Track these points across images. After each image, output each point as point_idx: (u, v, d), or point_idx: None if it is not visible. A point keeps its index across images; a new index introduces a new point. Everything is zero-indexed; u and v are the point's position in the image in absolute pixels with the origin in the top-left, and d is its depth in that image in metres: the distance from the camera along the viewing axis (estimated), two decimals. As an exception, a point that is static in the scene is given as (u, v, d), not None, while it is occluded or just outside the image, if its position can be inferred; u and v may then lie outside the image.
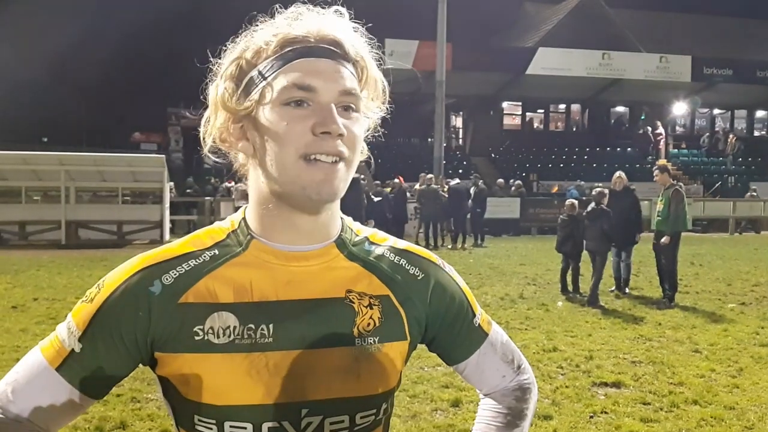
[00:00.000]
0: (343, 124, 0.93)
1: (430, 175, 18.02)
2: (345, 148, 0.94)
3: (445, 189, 17.65)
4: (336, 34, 0.96)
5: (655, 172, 9.78)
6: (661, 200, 9.60)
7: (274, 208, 0.98)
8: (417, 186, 18.43)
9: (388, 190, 18.18)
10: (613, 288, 10.14)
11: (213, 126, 1.00)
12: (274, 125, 0.93)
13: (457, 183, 17.87)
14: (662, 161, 13.32)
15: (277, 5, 1.01)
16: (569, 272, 9.92)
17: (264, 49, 0.95)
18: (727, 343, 6.94)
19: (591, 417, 4.80)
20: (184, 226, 20.37)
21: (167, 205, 17.72)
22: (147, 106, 40.11)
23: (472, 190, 18.12)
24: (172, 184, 19.46)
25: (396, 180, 18.41)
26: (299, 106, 0.93)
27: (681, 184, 9.71)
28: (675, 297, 9.31)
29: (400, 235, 15.81)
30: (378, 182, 18.46)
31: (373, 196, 16.57)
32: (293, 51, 0.94)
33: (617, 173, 10.61)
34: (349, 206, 1.03)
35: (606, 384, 5.55)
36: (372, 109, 1.04)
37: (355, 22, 1.01)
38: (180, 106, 37.49)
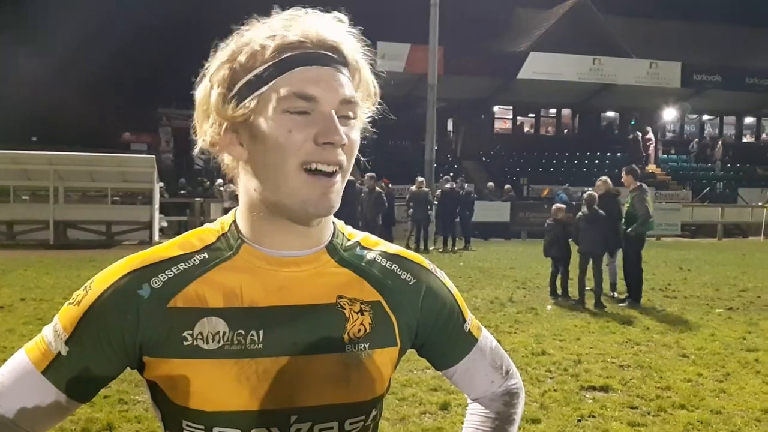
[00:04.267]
0: (343, 132, 0.93)
1: (420, 178, 18.03)
2: (344, 157, 0.94)
3: (437, 192, 17.69)
4: (334, 39, 0.95)
5: (622, 174, 9.99)
6: (628, 202, 9.78)
7: (266, 215, 0.97)
8: (413, 188, 18.45)
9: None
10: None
11: (202, 129, 0.98)
12: (274, 134, 0.92)
13: (449, 186, 17.90)
14: (652, 166, 13.50)
15: (275, 5, 0.99)
16: (558, 276, 9.98)
17: (260, 53, 0.93)
18: (715, 347, 6.98)
19: (579, 421, 4.82)
20: (174, 227, 20.29)
21: (157, 205, 17.65)
22: (138, 107, 39.99)
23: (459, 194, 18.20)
24: (162, 184, 19.39)
25: (381, 182, 18.40)
26: (300, 114, 0.92)
27: (644, 185, 9.85)
28: (641, 298, 9.43)
29: (387, 237, 15.86)
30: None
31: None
32: (292, 57, 0.92)
33: (602, 178, 10.77)
34: (342, 210, 1.03)
35: (594, 388, 5.57)
36: (364, 111, 1.04)
37: (351, 27, 0.99)
38: (171, 107, 37.38)
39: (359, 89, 1.00)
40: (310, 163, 0.92)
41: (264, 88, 0.92)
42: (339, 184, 0.94)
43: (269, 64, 0.92)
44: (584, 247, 9.59)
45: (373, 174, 16.10)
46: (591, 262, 9.51)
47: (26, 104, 34.54)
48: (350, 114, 0.96)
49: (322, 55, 0.94)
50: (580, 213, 9.83)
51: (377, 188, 16.12)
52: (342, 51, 0.96)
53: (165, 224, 18.62)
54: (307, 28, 0.94)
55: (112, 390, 4.98)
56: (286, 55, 0.92)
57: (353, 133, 0.96)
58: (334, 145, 0.92)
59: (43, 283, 10.37)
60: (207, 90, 0.96)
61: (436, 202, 17.83)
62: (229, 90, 0.94)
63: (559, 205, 10.67)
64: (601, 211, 9.56)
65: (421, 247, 16.71)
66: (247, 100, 0.93)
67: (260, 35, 0.94)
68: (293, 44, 0.93)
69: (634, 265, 9.66)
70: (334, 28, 0.96)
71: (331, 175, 0.93)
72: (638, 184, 9.83)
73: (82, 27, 35.51)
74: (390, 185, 18.47)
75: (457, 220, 17.82)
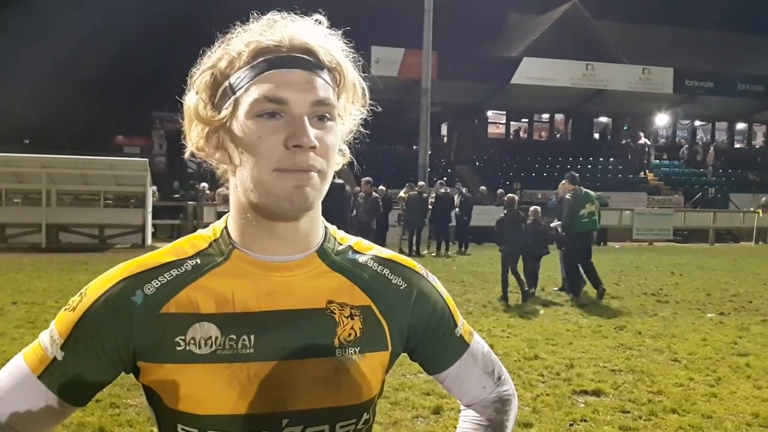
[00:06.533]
0: (315, 135, 0.93)
1: (421, 183, 18.06)
2: (318, 160, 0.94)
3: (432, 196, 17.73)
4: (309, 42, 0.95)
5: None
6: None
7: (253, 217, 0.98)
8: (401, 193, 18.47)
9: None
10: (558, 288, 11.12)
11: (190, 134, 1.00)
12: (247, 138, 0.93)
13: (443, 191, 17.95)
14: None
15: (255, 12, 1.00)
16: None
17: (237, 59, 0.94)
18: (706, 352, 7.02)
19: (571, 425, 4.83)
20: (167, 230, 20.24)
21: (149, 209, 17.60)
22: (131, 110, 39.93)
23: (457, 198, 18.25)
24: (155, 188, 19.35)
25: (380, 187, 18.40)
26: (272, 118, 0.93)
27: (577, 190, 10.61)
28: (580, 292, 10.16)
29: (381, 241, 15.85)
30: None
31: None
32: (265, 61, 0.93)
33: (563, 181, 11.55)
34: (332, 214, 1.04)
35: (586, 392, 5.59)
36: (352, 113, 1.04)
37: (332, 29, 1.00)
38: (165, 110, 37.32)
39: (344, 92, 1.01)
40: (282, 168, 0.93)
41: (238, 93, 0.94)
42: (316, 180, 0.94)
43: (244, 68, 0.94)
44: (506, 247, 10.05)
45: (370, 179, 16.13)
46: (513, 260, 10.05)
47: (19, 107, 34.42)
48: (326, 115, 0.96)
49: (296, 58, 0.94)
50: (502, 215, 10.50)
51: (374, 193, 16.15)
52: (317, 54, 0.96)
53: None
54: (282, 33, 0.95)
55: (103, 394, 4.96)
56: (259, 60, 0.94)
57: (329, 135, 0.96)
58: (303, 148, 0.92)
59: (35, 286, 10.32)
60: (192, 96, 0.98)
61: (430, 207, 17.88)
62: (210, 96, 0.97)
63: (537, 207, 11.18)
64: (521, 213, 10.28)
65: (414, 250, 16.72)
66: (224, 105, 0.95)
67: (239, 42, 0.96)
68: (268, 49, 0.94)
69: (568, 263, 10.55)
70: (310, 31, 0.97)
71: (305, 173, 0.93)
72: (573, 188, 10.62)
73: (76, 30, 35.43)
74: (386, 190, 18.49)
75: (452, 224, 17.84)
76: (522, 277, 10.02)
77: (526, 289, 10.03)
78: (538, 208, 10.81)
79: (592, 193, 10.97)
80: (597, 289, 10.28)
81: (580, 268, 10.40)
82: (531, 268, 10.36)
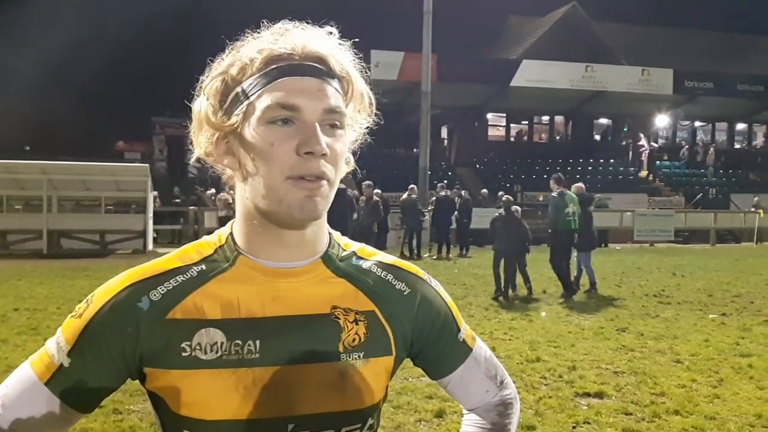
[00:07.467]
0: (326, 143, 0.94)
1: (411, 186, 18.09)
2: (328, 167, 0.95)
3: (432, 200, 17.74)
4: (321, 51, 0.97)
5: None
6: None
7: (260, 224, 0.99)
8: (404, 196, 18.50)
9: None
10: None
11: (198, 139, 1.01)
12: (259, 144, 0.94)
13: (444, 194, 17.95)
14: (645, 172, 14.05)
15: (264, 20, 1.01)
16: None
17: (249, 66, 0.95)
18: (708, 353, 7.01)
19: (573, 427, 4.83)
20: (168, 235, 20.25)
21: (150, 214, 17.62)
22: (131, 115, 39.95)
23: (457, 201, 18.26)
24: (155, 193, 19.37)
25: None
26: (284, 125, 0.94)
27: (560, 191, 10.77)
28: (572, 292, 10.35)
29: (382, 244, 15.85)
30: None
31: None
32: (278, 69, 0.94)
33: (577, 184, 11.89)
34: (333, 218, 1.04)
35: (589, 394, 5.59)
36: (359, 121, 1.05)
37: (341, 39, 1.01)
38: (165, 115, 37.36)
39: (352, 101, 1.02)
40: (294, 176, 0.93)
41: (251, 99, 0.95)
42: (325, 189, 0.95)
43: (256, 75, 0.95)
44: (499, 246, 10.28)
45: (371, 183, 16.20)
46: (513, 260, 10.28)
47: (19, 113, 34.45)
48: (336, 123, 0.97)
49: (309, 67, 0.95)
50: (496, 214, 10.74)
51: (374, 197, 16.18)
52: (329, 63, 0.97)
53: None
54: (295, 41, 0.96)
55: (106, 400, 4.87)
56: (272, 67, 0.95)
57: (338, 143, 0.97)
58: (314, 155, 0.93)
59: (36, 293, 10.32)
60: (202, 102, 0.99)
61: (430, 208, 17.87)
62: (221, 102, 0.97)
63: (517, 207, 11.37)
64: (516, 214, 10.47)
65: (415, 253, 16.73)
66: (235, 111, 0.96)
67: (250, 49, 0.96)
68: (280, 56, 0.95)
69: (553, 262, 10.60)
70: (322, 41, 0.98)
71: (315, 181, 0.94)
72: (559, 188, 10.78)
73: (76, 36, 35.48)
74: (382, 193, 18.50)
75: (453, 227, 17.85)
76: (505, 277, 10.28)
77: (503, 290, 10.29)
78: (518, 208, 11.04)
79: (575, 196, 11.02)
80: (565, 289, 10.39)
81: (550, 265, 10.63)
82: (515, 267, 10.53)
